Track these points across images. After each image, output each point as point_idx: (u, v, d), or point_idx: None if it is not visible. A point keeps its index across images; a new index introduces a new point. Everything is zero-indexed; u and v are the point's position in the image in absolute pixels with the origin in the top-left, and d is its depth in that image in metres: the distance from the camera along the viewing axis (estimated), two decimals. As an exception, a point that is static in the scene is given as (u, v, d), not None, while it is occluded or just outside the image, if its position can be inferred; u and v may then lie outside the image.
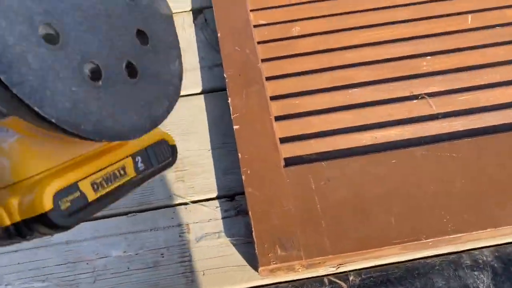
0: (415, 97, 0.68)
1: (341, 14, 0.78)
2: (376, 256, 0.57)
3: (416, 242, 0.56)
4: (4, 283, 0.58)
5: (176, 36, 0.31)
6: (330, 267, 0.58)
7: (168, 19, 0.31)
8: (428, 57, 0.72)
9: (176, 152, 0.35)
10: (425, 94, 0.68)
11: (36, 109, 0.22)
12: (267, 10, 0.79)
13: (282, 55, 0.74)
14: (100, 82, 0.25)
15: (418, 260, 0.59)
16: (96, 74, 0.25)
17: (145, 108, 0.28)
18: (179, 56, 0.31)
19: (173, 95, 0.30)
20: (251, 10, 0.79)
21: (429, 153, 0.62)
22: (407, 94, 0.69)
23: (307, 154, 0.64)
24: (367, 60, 0.73)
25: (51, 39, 0.23)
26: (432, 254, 0.59)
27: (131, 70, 0.27)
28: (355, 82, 0.70)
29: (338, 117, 0.67)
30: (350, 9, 0.79)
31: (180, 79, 0.31)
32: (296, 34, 0.76)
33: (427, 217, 0.57)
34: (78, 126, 0.24)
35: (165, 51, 0.30)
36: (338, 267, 0.58)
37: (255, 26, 0.77)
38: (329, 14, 0.78)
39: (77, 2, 0.25)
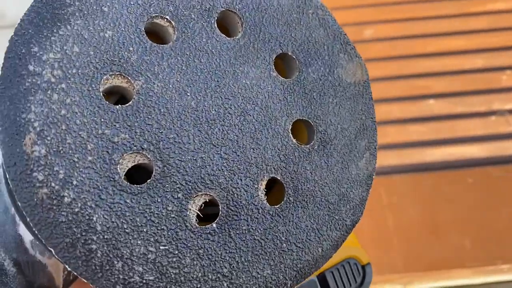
0: (493, 113, 0.66)
1: (416, 19, 0.75)
2: (446, 277, 0.56)
3: (491, 267, 0.54)
4: None
5: (370, 111, 0.21)
6: (398, 285, 0.57)
7: (354, 88, 0.21)
8: (508, 71, 0.69)
9: (369, 274, 0.25)
10: (505, 110, 0.66)
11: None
12: (339, 10, 0.77)
13: (353, 59, 0.72)
14: (215, 225, 0.16)
15: (490, 284, 0.57)
16: (209, 214, 0.17)
17: (288, 251, 0.18)
18: (370, 147, 0.21)
19: (352, 216, 0.20)
20: (321, 10, 0.77)
21: (507, 174, 0.60)
22: (484, 109, 0.66)
23: (379, 166, 0.62)
24: (442, 71, 0.70)
25: (138, 175, 0.17)
26: (508, 280, 0.57)
27: (276, 192, 0.19)
28: (431, 93, 0.68)
29: (413, 129, 0.65)
30: (425, 15, 0.76)
31: (369, 182, 0.20)
32: (369, 38, 0.74)
33: (504, 241, 0.55)
34: None
35: (344, 145, 0.20)
36: (405, 286, 0.57)
37: (325, 26, 0.75)
38: (404, 18, 0.76)
39: (186, 103, 0.17)
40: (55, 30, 0.15)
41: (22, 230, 0.17)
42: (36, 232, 0.14)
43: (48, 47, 0.15)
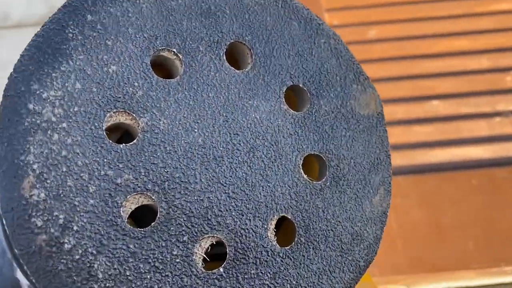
0: (498, 114, 0.66)
1: (419, 20, 0.75)
2: (450, 278, 0.56)
3: (494, 269, 0.54)
4: None
5: (384, 145, 0.20)
6: (402, 286, 0.57)
7: (368, 120, 0.20)
8: (513, 72, 0.69)
9: None
10: (509, 111, 0.65)
11: None
12: (343, 10, 0.77)
13: (358, 59, 0.72)
14: (222, 270, 0.16)
15: (494, 286, 0.57)
16: (215, 254, 0.16)
17: None
18: (384, 182, 0.20)
19: (365, 256, 0.19)
20: (325, 10, 0.77)
21: (510, 176, 0.60)
22: (489, 110, 0.66)
23: (382, 167, 0.62)
24: (447, 71, 0.70)
25: (141, 217, 0.16)
26: (509, 281, 0.57)
27: (287, 232, 0.18)
28: (435, 93, 0.68)
29: (418, 130, 0.65)
30: (430, 15, 0.76)
31: (384, 219, 0.20)
32: (373, 38, 0.74)
33: (508, 243, 0.55)
34: None
35: (357, 180, 0.19)
36: (409, 287, 0.57)
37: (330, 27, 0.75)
38: (408, 18, 0.76)
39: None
40: (56, 66, 0.14)
41: (19, 274, 0.16)
42: (33, 280, 0.13)
43: (49, 84, 0.14)
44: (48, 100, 0.14)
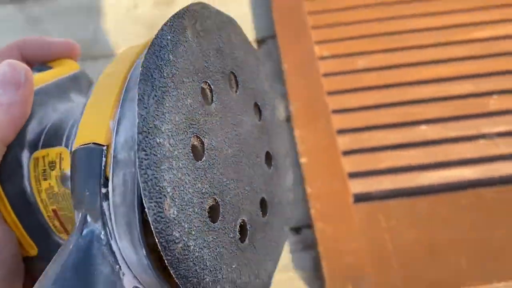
0: (483, 136, 0.69)
1: (404, 48, 0.79)
2: (446, 298, 0.58)
3: (487, 285, 0.56)
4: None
5: (287, 139, 0.28)
6: (399, 306, 0.59)
7: (282, 122, 0.28)
8: (495, 95, 0.72)
9: None
10: (493, 133, 0.68)
11: None
12: (331, 42, 0.81)
13: (347, 88, 0.75)
14: (247, 241, 0.21)
15: (487, 304, 0.59)
16: (243, 233, 0.21)
17: (276, 246, 0.24)
18: (291, 163, 0.27)
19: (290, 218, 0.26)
20: (315, 42, 0.81)
21: (499, 195, 0.62)
22: (474, 133, 0.69)
23: (376, 191, 0.65)
24: (433, 97, 0.73)
25: (213, 215, 0.19)
26: (502, 298, 0.59)
27: (264, 208, 0.23)
28: (423, 118, 0.71)
29: (407, 154, 0.68)
30: (414, 44, 0.80)
31: (292, 195, 0.27)
32: (362, 68, 0.78)
33: (498, 261, 0.58)
34: None
35: (282, 164, 0.26)
36: (407, 307, 0.59)
37: (320, 58, 0.79)
38: (394, 48, 0.79)
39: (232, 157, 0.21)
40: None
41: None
42: (181, 284, 0.16)
43: (162, 118, 0.17)
44: (165, 133, 0.16)
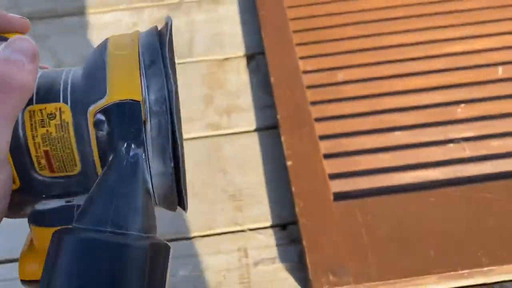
0: (451, 141, 0.76)
1: (381, 63, 0.87)
2: (416, 284, 0.64)
3: (452, 272, 0.63)
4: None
5: None
6: (375, 293, 0.65)
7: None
8: (462, 105, 0.80)
9: None
10: (460, 138, 0.76)
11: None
12: (314, 58, 0.89)
13: (328, 98, 0.83)
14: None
15: (454, 290, 0.66)
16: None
17: None
18: None
19: None
20: (300, 58, 0.88)
21: (464, 194, 0.69)
22: (443, 138, 0.76)
23: (353, 190, 0.72)
24: (406, 106, 0.81)
25: None
26: (467, 284, 0.66)
27: None
28: (397, 125, 0.78)
29: (382, 157, 0.75)
30: (390, 58, 0.87)
31: None
32: (341, 80, 0.85)
33: (462, 251, 0.64)
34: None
35: None
36: (382, 294, 0.65)
37: (303, 72, 0.86)
38: (371, 62, 0.87)
39: None
40: None
41: None
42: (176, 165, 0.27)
43: (175, 86, 0.28)
44: (176, 95, 0.28)
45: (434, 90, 0.82)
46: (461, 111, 0.79)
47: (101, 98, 0.29)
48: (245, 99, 0.87)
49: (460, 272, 0.63)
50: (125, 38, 0.29)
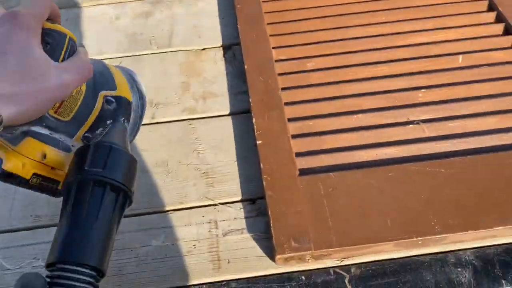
0: (411, 122, 0.81)
1: (348, 52, 0.92)
2: (373, 251, 0.68)
3: (407, 240, 0.67)
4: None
5: None
6: (335, 260, 0.69)
7: None
8: (423, 90, 0.85)
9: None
10: (420, 120, 0.81)
11: None
12: (286, 48, 0.94)
13: (298, 85, 0.88)
14: None
15: (410, 258, 0.70)
16: None
17: None
18: None
19: None
20: (273, 48, 0.93)
21: (420, 168, 0.74)
22: (404, 120, 0.81)
23: (318, 166, 0.76)
24: (371, 91, 0.86)
25: None
26: (423, 253, 0.70)
27: None
28: (361, 109, 0.83)
29: (346, 137, 0.79)
30: (357, 49, 0.93)
31: None
32: (311, 68, 0.90)
33: (417, 220, 0.68)
34: None
35: None
36: (342, 261, 0.69)
37: (276, 61, 0.91)
38: (338, 52, 0.92)
39: None
40: None
41: None
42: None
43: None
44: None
45: (396, 77, 0.88)
46: (421, 96, 0.84)
47: (112, 90, 0.51)
48: (221, 86, 0.92)
49: (414, 239, 0.67)
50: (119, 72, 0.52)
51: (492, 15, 0.97)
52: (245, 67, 0.89)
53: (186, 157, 0.82)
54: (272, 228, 0.69)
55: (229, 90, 0.91)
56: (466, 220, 0.68)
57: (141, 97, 0.59)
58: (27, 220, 0.74)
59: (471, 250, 0.70)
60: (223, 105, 0.89)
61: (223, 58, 0.96)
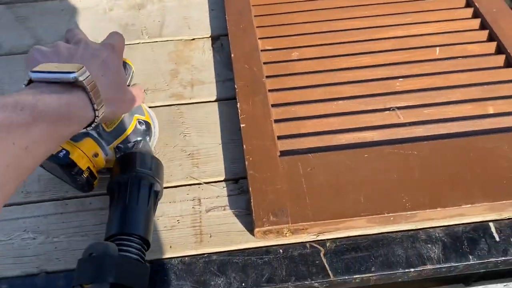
0: (388, 109, 0.85)
1: (332, 44, 0.96)
2: (347, 226, 0.72)
3: (379, 215, 0.71)
4: (52, 236, 0.73)
5: None
6: (312, 235, 0.73)
7: None
8: (401, 79, 0.89)
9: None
10: (396, 107, 0.85)
11: None
12: (272, 38, 0.98)
13: (283, 73, 0.91)
14: None
15: (382, 234, 0.73)
16: None
17: None
18: None
19: None
20: (259, 38, 0.97)
21: (394, 151, 0.77)
22: (381, 107, 0.85)
23: (299, 149, 0.80)
24: (351, 80, 0.90)
25: None
26: (394, 230, 0.74)
27: None
28: (341, 96, 0.87)
29: (326, 122, 0.83)
30: (340, 40, 0.97)
31: None
32: (295, 58, 0.94)
33: (389, 197, 0.72)
34: None
35: None
36: (318, 236, 0.73)
37: (262, 50, 0.95)
38: (323, 43, 0.96)
39: None
40: None
41: None
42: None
43: None
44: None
45: (376, 67, 0.92)
46: (399, 85, 0.88)
47: (142, 115, 0.76)
48: (208, 74, 0.96)
49: (386, 215, 0.71)
50: None
51: (469, 11, 1.01)
52: (232, 55, 0.93)
53: (173, 139, 0.85)
54: (252, 204, 0.72)
55: (216, 78, 0.95)
56: (435, 198, 0.72)
57: (154, 124, 0.81)
58: (18, 196, 0.78)
59: (441, 228, 0.74)
60: (210, 91, 0.93)
61: (211, 48, 1.00)
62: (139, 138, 0.73)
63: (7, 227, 0.74)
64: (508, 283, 0.79)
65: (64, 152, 0.64)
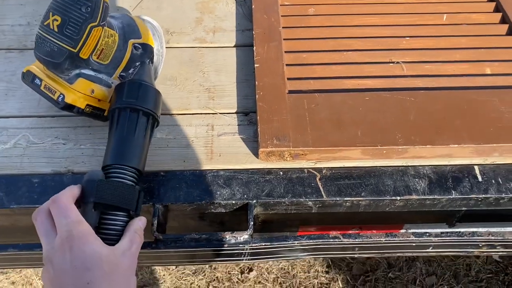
0: (392, 62, 0.92)
1: (346, 4, 1.03)
2: (343, 156, 0.79)
3: (373, 147, 0.78)
4: (80, 143, 0.83)
5: None
6: (310, 162, 0.81)
7: None
8: (407, 38, 0.96)
9: None
10: (401, 61, 0.92)
11: None
12: (292, -5, 1.05)
13: (298, 25, 0.99)
14: None
15: (375, 167, 0.81)
16: None
17: None
18: None
19: None
20: (280, -6, 1.05)
21: (392, 96, 0.85)
22: (387, 60, 0.92)
23: (306, 89, 0.88)
24: (361, 36, 0.97)
25: None
26: (386, 165, 0.81)
27: None
28: (350, 48, 0.94)
29: (334, 69, 0.90)
30: (354, 2, 1.04)
31: None
32: (311, 13, 1.02)
33: (384, 134, 0.79)
34: None
35: None
36: (316, 163, 0.81)
37: (281, 5, 1.03)
38: (338, 3, 1.04)
39: None
40: None
41: None
42: None
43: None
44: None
45: (386, 26, 0.99)
46: (405, 43, 0.95)
47: (139, 38, 0.77)
48: (230, 23, 1.04)
49: (379, 147, 0.78)
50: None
51: (479, -15, 1.07)
52: (253, 6, 1.01)
53: (193, 75, 0.94)
54: (259, 130, 0.80)
55: (236, 27, 1.03)
56: (426, 137, 0.79)
57: (161, 41, 0.84)
58: (52, 110, 0.87)
59: (429, 167, 0.81)
60: (230, 38, 1.01)
61: (235, 1, 1.08)
62: (137, 63, 0.75)
63: (41, 134, 0.83)
64: (490, 228, 0.86)
65: (62, 96, 0.70)
